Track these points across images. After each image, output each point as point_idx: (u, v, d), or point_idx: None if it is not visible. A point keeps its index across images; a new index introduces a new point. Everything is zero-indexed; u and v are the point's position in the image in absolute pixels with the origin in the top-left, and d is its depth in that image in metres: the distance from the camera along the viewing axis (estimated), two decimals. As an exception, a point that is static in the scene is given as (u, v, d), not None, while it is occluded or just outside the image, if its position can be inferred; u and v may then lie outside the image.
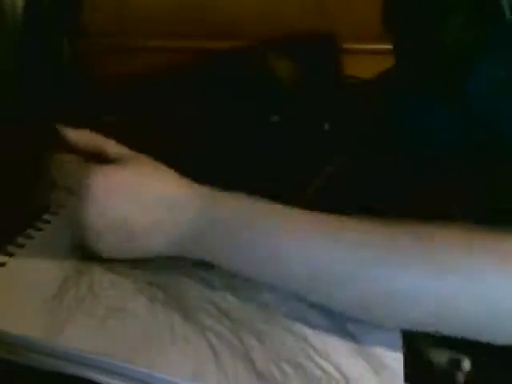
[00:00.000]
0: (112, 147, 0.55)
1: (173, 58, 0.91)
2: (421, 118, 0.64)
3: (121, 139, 0.67)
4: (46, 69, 0.88)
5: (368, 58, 0.70)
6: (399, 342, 0.48)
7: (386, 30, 0.67)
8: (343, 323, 0.49)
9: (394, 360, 0.47)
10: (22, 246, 0.56)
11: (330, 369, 0.46)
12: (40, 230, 0.58)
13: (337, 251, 0.47)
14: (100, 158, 0.54)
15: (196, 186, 0.52)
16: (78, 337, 0.46)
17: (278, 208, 0.50)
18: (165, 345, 0.46)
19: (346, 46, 0.89)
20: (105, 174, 0.51)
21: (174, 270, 0.53)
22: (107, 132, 0.72)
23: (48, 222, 0.59)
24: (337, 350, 0.47)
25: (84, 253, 0.54)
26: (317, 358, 0.46)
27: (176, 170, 0.62)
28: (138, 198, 0.51)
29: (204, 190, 0.52)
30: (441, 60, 0.61)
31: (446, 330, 0.46)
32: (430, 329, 0.47)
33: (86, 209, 0.50)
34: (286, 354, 0.46)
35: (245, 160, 0.72)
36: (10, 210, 0.61)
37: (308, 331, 0.48)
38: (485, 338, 0.46)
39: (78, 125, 0.77)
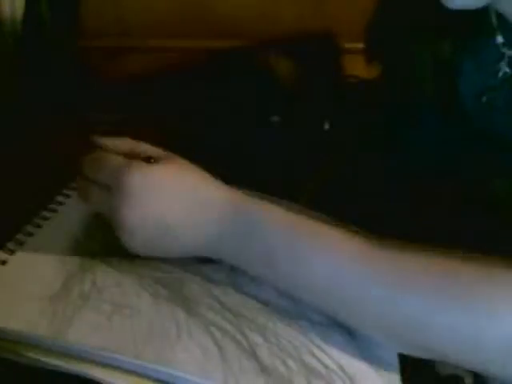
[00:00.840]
0: (146, 148, 0.55)
1: (173, 58, 0.91)
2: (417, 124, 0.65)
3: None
4: (45, 69, 0.88)
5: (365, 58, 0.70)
6: None
7: (369, 57, 0.68)
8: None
9: (390, 355, 0.47)
10: (22, 243, 0.56)
11: (333, 366, 0.46)
12: (39, 226, 0.58)
13: (369, 285, 0.46)
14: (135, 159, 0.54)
15: (232, 189, 0.52)
16: (83, 334, 0.46)
17: (309, 222, 0.50)
18: (170, 340, 0.46)
19: (345, 45, 0.89)
20: (142, 170, 0.51)
21: (177, 266, 0.53)
22: (107, 132, 0.72)
23: (47, 218, 0.59)
24: (338, 348, 0.47)
25: (85, 250, 0.55)
26: (320, 355, 0.46)
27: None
28: (176, 195, 0.51)
29: (236, 192, 0.52)
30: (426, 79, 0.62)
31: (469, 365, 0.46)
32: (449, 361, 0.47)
33: (123, 205, 0.50)
34: (291, 351, 0.46)
35: (244, 160, 0.72)
36: (10, 207, 0.61)
37: (310, 328, 0.49)
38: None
39: (77, 125, 0.78)
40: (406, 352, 0.48)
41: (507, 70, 0.57)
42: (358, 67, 0.81)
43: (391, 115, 0.70)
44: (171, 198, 0.51)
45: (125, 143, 0.56)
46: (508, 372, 0.45)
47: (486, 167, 0.57)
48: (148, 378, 0.44)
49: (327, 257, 0.48)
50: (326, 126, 0.77)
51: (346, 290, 0.47)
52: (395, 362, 0.47)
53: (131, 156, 0.54)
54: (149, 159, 0.53)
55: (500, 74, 0.57)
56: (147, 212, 0.50)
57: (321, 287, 0.48)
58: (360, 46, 0.71)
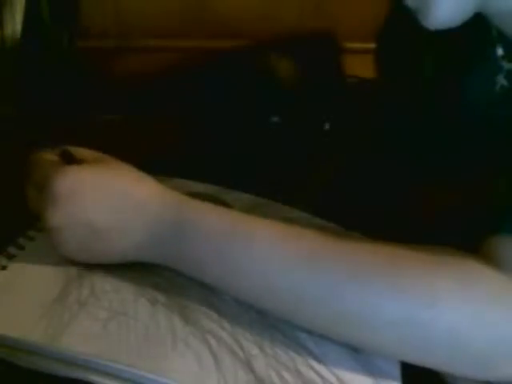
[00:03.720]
0: (82, 152, 0.54)
1: (173, 58, 0.91)
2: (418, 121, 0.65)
3: (120, 139, 0.67)
4: (45, 69, 0.88)
5: (368, 58, 0.70)
6: None
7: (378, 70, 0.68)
8: None
9: (391, 366, 0.47)
10: (22, 247, 0.55)
11: (329, 375, 0.45)
12: (40, 231, 0.58)
13: (309, 272, 0.46)
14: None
15: (164, 188, 0.51)
16: (79, 340, 0.46)
17: (248, 219, 0.49)
18: (166, 349, 0.46)
19: (346, 45, 0.89)
20: (68, 173, 0.50)
21: (175, 273, 0.53)
22: (107, 132, 0.72)
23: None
24: (334, 356, 0.47)
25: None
26: (315, 365, 0.46)
27: (175, 170, 0.63)
28: (102, 197, 0.50)
29: (172, 194, 0.51)
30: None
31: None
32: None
33: (49, 206, 0.49)
34: (286, 361, 0.46)
35: (244, 160, 0.72)
36: (10, 212, 0.61)
37: (306, 337, 0.48)
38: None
39: (77, 125, 0.78)
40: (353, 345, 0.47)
41: (505, 83, 0.57)
42: (358, 67, 0.81)
43: (391, 115, 0.70)
44: (100, 200, 0.50)
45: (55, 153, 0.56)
46: (456, 366, 0.45)
47: (486, 167, 0.58)
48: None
49: (260, 262, 0.47)
50: (326, 126, 0.77)
51: (283, 287, 0.46)
52: (397, 372, 0.47)
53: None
54: (80, 161, 0.53)
55: (497, 87, 0.57)
56: (74, 215, 0.49)
57: (256, 285, 0.47)
58: (360, 45, 0.71)
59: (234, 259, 0.48)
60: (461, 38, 0.54)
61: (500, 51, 0.56)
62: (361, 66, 0.75)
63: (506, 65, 0.56)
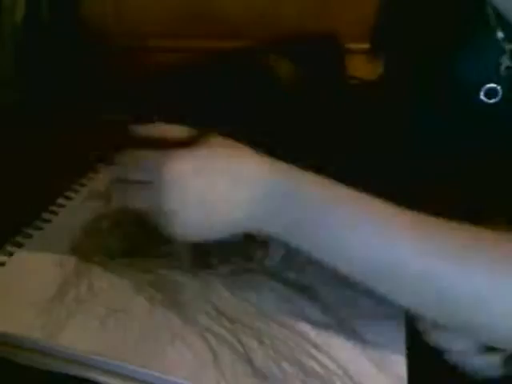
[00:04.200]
0: (176, 131, 0.56)
1: (173, 58, 0.91)
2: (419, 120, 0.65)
3: (121, 139, 0.67)
4: (45, 69, 0.88)
5: (368, 58, 0.70)
6: (402, 337, 0.48)
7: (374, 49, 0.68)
8: (344, 319, 0.49)
9: (397, 354, 0.47)
10: (21, 245, 0.55)
11: (331, 365, 0.45)
12: (39, 228, 0.58)
13: (419, 254, 0.45)
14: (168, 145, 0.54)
15: (273, 161, 0.52)
16: (77, 337, 0.46)
17: (359, 195, 0.49)
18: (163, 345, 0.46)
19: (346, 45, 0.89)
20: (177, 157, 0.51)
21: (172, 271, 0.53)
22: (107, 132, 0.72)
23: (47, 221, 0.59)
24: (338, 347, 0.47)
25: (83, 253, 0.54)
26: (317, 355, 0.46)
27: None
28: (214, 174, 0.51)
29: (282, 166, 0.51)
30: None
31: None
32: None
33: (164, 193, 0.50)
34: (286, 353, 0.46)
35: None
36: (10, 209, 0.61)
37: (308, 328, 0.48)
38: None
39: (77, 125, 0.78)
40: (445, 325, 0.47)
41: (510, 63, 0.58)
42: (358, 67, 0.81)
43: (391, 115, 0.70)
44: (209, 177, 0.51)
45: (156, 129, 0.57)
46: None
47: (488, 163, 0.58)
48: (139, 381, 0.44)
49: (375, 228, 0.47)
50: (326, 126, 0.77)
51: (385, 263, 0.46)
52: (403, 361, 0.46)
53: (162, 143, 0.54)
54: (182, 144, 0.53)
55: (502, 67, 0.58)
56: (189, 194, 0.50)
57: (360, 258, 0.47)
58: (361, 46, 0.71)
59: (336, 232, 0.48)
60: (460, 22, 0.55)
61: (500, 34, 0.57)
62: (362, 66, 0.75)
63: (508, 46, 0.57)
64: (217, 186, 0.51)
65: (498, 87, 0.59)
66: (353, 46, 0.87)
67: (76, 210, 0.60)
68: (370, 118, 0.75)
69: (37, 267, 0.53)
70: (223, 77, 0.85)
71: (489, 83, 0.59)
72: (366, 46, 0.70)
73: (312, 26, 0.92)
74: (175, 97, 0.84)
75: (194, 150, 0.52)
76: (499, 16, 0.57)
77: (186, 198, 0.50)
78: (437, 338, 0.48)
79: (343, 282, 0.48)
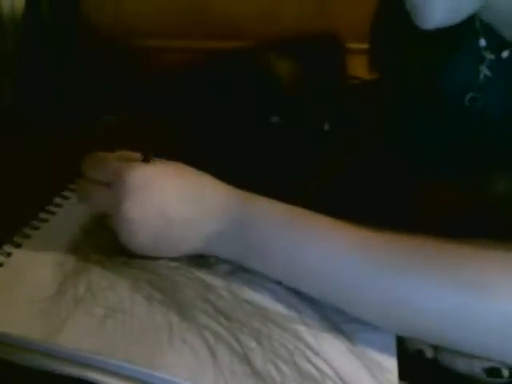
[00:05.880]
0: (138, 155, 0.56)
1: (173, 58, 0.91)
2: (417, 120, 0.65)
3: (121, 139, 0.67)
4: (45, 69, 0.88)
5: (367, 59, 0.70)
6: (393, 341, 0.48)
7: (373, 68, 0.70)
8: (338, 323, 0.49)
9: (388, 359, 0.47)
10: (19, 245, 0.55)
11: (326, 369, 0.45)
12: (37, 228, 0.58)
13: (367, 273, 0.47)
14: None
15: (232, 188, 0.53)
16: (76, 337, 0.46)
17: (306, 214, 0.51)
18: (162, 345, 0.46)
19: (346, 45, 0.89)
20: (142, 168, 0.52)
21: (171, 270, 0.53)
22: (107, 132, 0.72)
23: (45, 220, 0.59)
24: (332, 350, 0.47)
25: (81, 253, 0.54)
26: (313, 358, 0.46)
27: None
28: (174, 189, 0.52)
29: (236, 191, 0.53)
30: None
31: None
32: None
33: (125, 201, 0.50)
34: (284, 354, 0.46)
35: (244, 160, 0.72)
36: (7, 209, 0.61)
37: (304, 331, 0.48)
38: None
39: (77, 125, 0.78)
40: (405, 335, 0.48)
41: (488, 73, 0.58)
42: (359, 67, 0.81)
43: (391, 115, 0.70)
44: (173, 192, 0.52)
45: (118, 154, 0.57)
46: (508, 351, 0.44)
47: (485, 165, 0.58)
48: (138, 381, 0.44)
49: (325, 246, 0.49)
50: (326, 126, 0.77)
51: (343, 278, 0.48)
52: (394, 367, 0.46)
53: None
54: (148, 160, 0.53)
55: (481, 76, 0.59)
56: (148, 206, 0.51)
57: (319, 277, 0.49)
58: (361, 46, 0.71)
59: (298, 244, 0.49)
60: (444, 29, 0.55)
61: (483, 42, 0.58)
62: (362, 66, 0.74)
63: (489, 55, 0.58)
64: (178, 200, 0.52)
65: (479, 95, 0.59)
66: (353, 45, 0.87)
67: (73, 210, 0.60)
68: (370, 117, 0.75)
69: (35, 267, 0.53)
70: (223, 77, 0.85)
71: (471, 91, 0.60)
72: (365, 46, 0.70)
73: (312, 26, 0.92)
74: (174, 97, 0.84)
75: (160, 164, 0.53)
76: (483, 24, 0.57)
77: (147, 209, 0.51)
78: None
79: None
